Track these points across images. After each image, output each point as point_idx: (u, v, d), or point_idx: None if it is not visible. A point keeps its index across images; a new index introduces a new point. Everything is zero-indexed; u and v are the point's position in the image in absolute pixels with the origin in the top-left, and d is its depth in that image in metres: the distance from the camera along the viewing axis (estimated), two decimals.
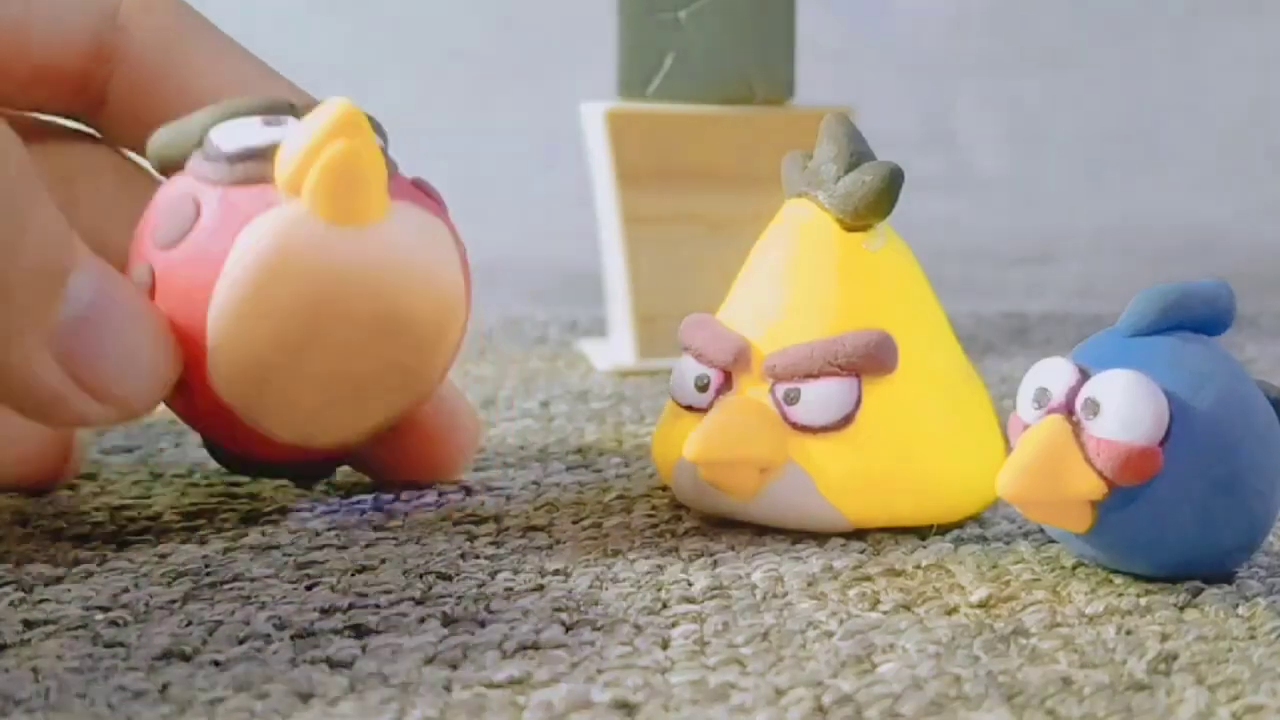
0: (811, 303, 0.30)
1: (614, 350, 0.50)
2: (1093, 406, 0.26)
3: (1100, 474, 0.26)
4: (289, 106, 0.29)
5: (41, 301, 0.26)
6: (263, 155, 0.28)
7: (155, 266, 0.28)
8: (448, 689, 0.22)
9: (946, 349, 0.32)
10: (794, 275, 0.31)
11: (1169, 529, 0.26)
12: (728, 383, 0.30)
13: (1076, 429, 0.26)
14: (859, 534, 0.30)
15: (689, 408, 0.31)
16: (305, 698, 0.22)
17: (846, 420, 0.29)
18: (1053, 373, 0.27)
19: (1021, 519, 0.31)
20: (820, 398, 0.29)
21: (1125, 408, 0.26)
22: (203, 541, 0.29)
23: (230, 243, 0.27)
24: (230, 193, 0.28)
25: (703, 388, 0.31)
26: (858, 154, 0.31)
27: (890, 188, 0.30)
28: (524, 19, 0.86)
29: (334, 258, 0.27)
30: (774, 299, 0.31)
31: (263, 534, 0.30)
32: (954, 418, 0.31)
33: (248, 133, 0.28)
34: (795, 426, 0.29)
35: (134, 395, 0.27)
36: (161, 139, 0.29)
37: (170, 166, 0.29)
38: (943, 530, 0.30)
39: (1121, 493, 0.26)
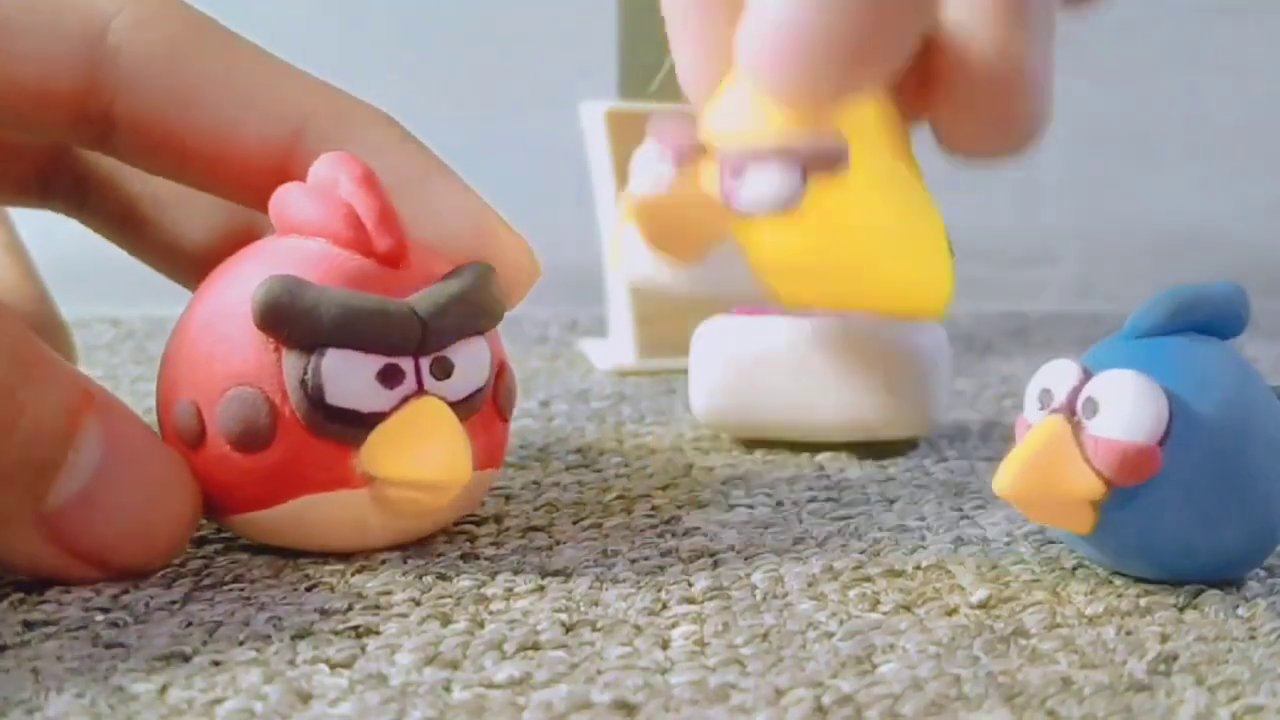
0: (777, 117, 0.31)
1: (614, 350, 0.50)
2: (1092, 406, 0.26)
3: (1099, 474, 0.26)
4: (420, 333, 0.27)
5: (29, 489, 0.25)
6: (362, 423, 0.26)
7: (208, 426, 0.27)
8: (448, 689, 0.22)
9: (905, 178, 0.34)
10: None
11: (1170, 529, 0.26)
12: (682, 165, 0.32)
13: (1077, 429, 0.26)
14: (858, 535, 0.30)
15: (643, 199, 0.33)
16: (305, 698, 0.22)
17: (787, 206, 0.31)
18: (1056, 373, 0.27)
19: (1020, 518, 0.31)
20: (764, 180, 0.31)
21: (1124, 407, 0.26)
22: (203, 542, 0.29)
23: (284, 496, 0.27)
24: (310, 444, 0.26)
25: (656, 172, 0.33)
26: None
27: None
28: (524, 19, 0.86)
29: (380, 537, 0.28)
30: (740, 110, 0.32)
31: None
32: (897, 225, 0.33)
33: (359, 387, 0.26)
34: (737, 208, 0.31)
35: (142, 563, 0.26)
36: (273, 304, 0.26)
37: (274, 333, 0.26)
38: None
39: (1122, 493, 0.26)
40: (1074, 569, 0.28)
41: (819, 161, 0.31)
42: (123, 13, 0.29)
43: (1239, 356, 0.27)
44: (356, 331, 0.26)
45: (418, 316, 0.27)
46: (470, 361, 0.28)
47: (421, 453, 0.27)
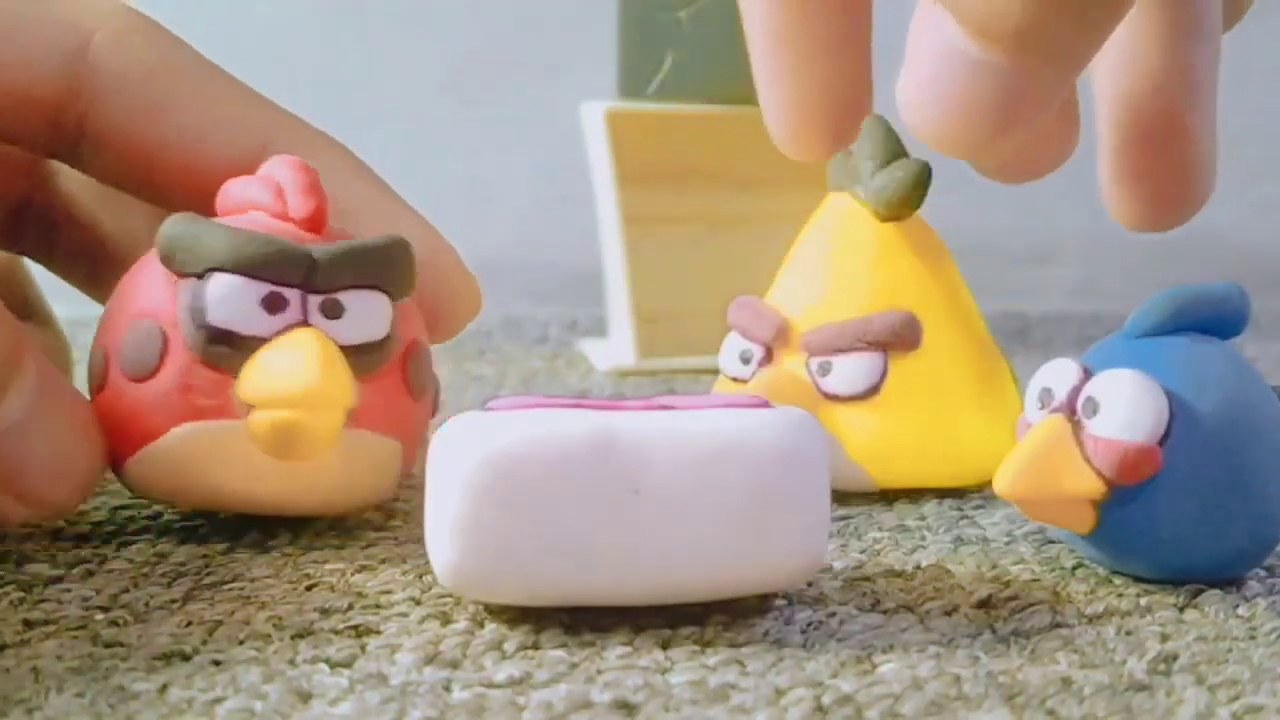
0: (846, 286, 0.34)
1: (614, 350, 0.50)
2: (1092, 405, 0.26)
3: (1099, 473, 0.26)
4: (307, 265, 0.28)
5: None
6: (242, 346, 0.27)
7: (110, 366, 0.28)
8: (448, 689, 0.22)
9: (969, 327, 0.35)
10: (831, 261, 0.34)
11: (1170, 529, 0.26)
12: (769, 357, 0.34)
13: (1077, 428, 0.26)
14: (858, 535, 0.30)
15: (734, 379, 0.34)
16: (305, 698, 0.22)
17: (873, 391, 0.32)
18: (1057, 373, 0.27)
19: (1020, 518, 0.31)
20: (849, 370, 0.33)
21: (1123, 407, 0.26)
22: (203, 541, 0.29)
23: (169, 425, 0.28)
24: (194, 370, 0.27)
25: (746, 361, 0.34)
26: (892, 152, 0.34)
27: (921, 183, 0.34)
28: (524, 19, 0.86)
29: (264, 488, 0.28)
30: (813, 282, 0.34)
31: (262, 534, 0.30)
32: (973, 388, 0.34)
33: (240, 310, 0.27)
34: (826, 396, 0.33)
35: (59, 499, 0.28)
36: (172, 236, 0.28)
37: (170, 264, 0.28)
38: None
39: (1121, 492, 0.26)
40: (1074, 569, 0.28)
41: (898, 342, 0.33)
42: (104, 29, 0.30)
43: (1239, 356, 0.27)
44: (243, 257, 0.27)
45: (307, 252, 0.28)
46: (364, 310, 0.28)
47: (285, 368, 0.27)
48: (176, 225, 0.28)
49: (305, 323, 0.27)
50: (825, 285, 0.34)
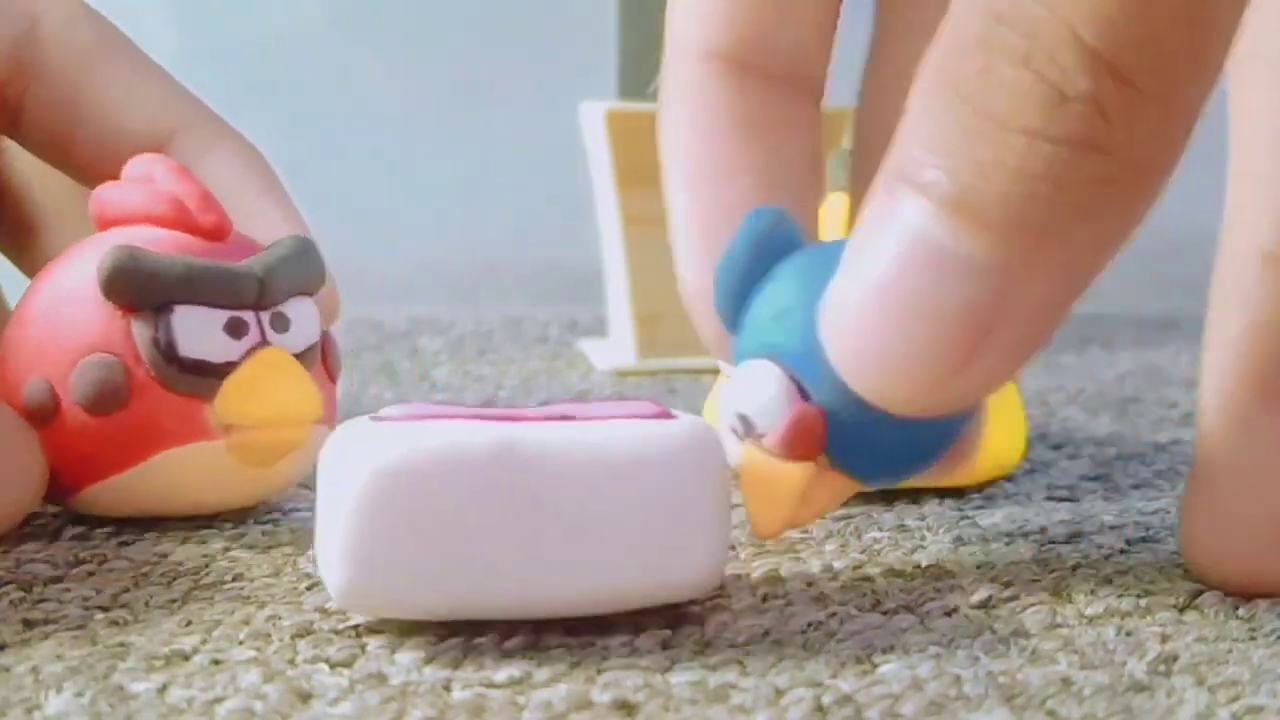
0: None
1: (614, 350, 0.50)
2: (746, 422, 0.26)
3: (797, 463, 0.26)
4: (258, 286, 0.29)
5: None
6: (213, 373, 0.28)
7: (61, 399, 0.28)
8: (448, 689, 0.22)
9: None
10: None
11: (872, 449, 0.25)
12: None
13: (758, 441, 0.26)
14: (858, 535, 0.30)
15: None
16: (305, 697, 0.22)
17: None
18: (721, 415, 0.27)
19: (1020, 518, 0.31)
20: None
21: (757, 405, 0.25)
22: (203, 541, 0.29)
23: (144, 454, 0.28)
24: (166, 400, 0.28)
25: None
26: None
27: None
28: (524, 19, 0.86)
29: (236, 493, 0.30)
30: None
31: (263, 534, 0.30)
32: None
33: (207, 339, 0.28)
34: None
35: None
36: (117, 270, 0.28)
37: (117, 298, 0.28)
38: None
39: (831, 451, 0.25)
40: (1074, 568, 0.28)
41: None
42: (51, 13, 0.32)
43: (811, 255, 0.26)
44: (201, 287, 0.28)
45: (254, 274, 0.29)
46: (303, 317, 0.30)
47: (274, 394, 0.29)
48: (121, 259, 0.28)
49: (264, 341, 0.29)
50: None
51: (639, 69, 0.49)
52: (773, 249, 0.26)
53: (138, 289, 0.28)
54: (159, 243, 0.29)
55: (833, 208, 0.35)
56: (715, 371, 0.36)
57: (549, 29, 0.85)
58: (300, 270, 0.30)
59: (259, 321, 0.29)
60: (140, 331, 0.28)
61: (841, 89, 0.53)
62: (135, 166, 0.30)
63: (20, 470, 0.28)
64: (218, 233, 0.30)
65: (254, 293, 0.29)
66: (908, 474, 0.27)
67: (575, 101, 0.51)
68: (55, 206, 0.36)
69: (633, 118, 0.48)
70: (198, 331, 0.28)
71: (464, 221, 0.78)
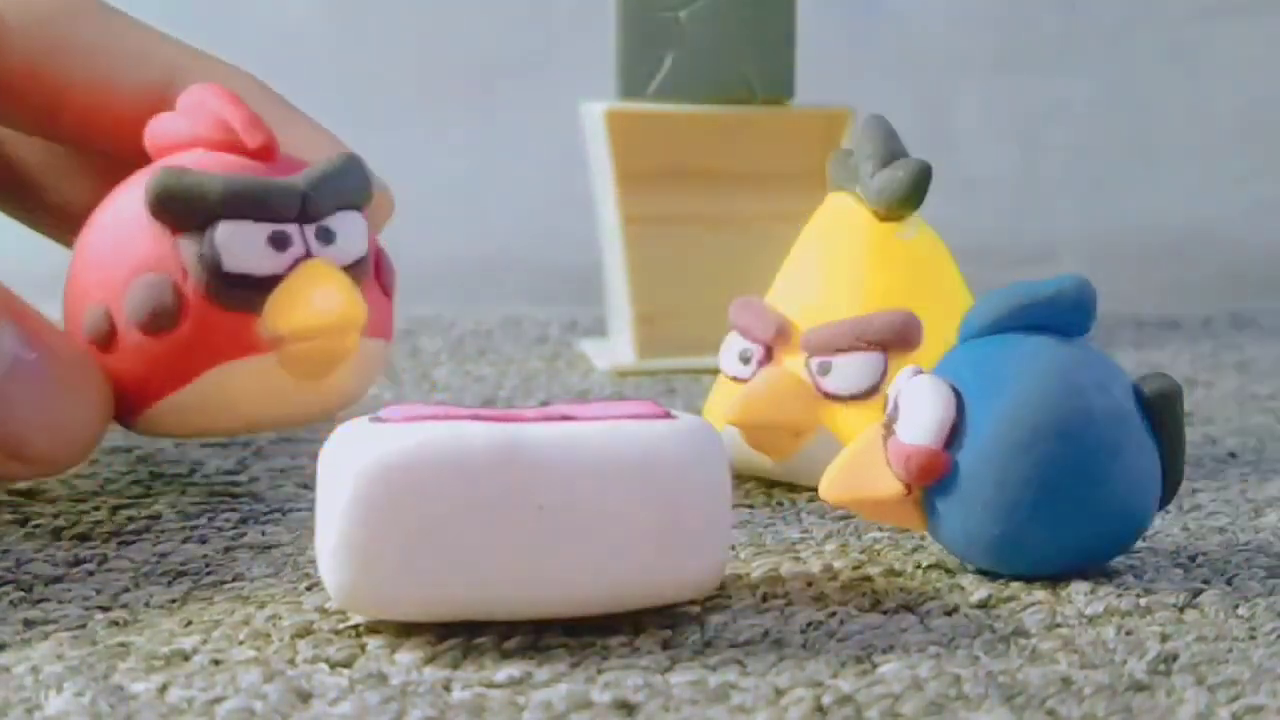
0: (846, 285, 0.33)
1: (614, 350, 0.50)
2: (897, 412, 0.27)
3: (899, 477, 0.27)
4: (301, 199, 0.29)
5: None
6: (258, 286, 0.29)
7: (118, 322, 0.29)
8: (448, 689, 0.22)
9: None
10: (831, 261, 0.34)
11: (974, 525, 0.26)
12: (769, 356, 0.34)
13: (888, 434, 0.27)
14: (858, 535, 0.30)
15: (734, 378, 0.34)
16: (305, 697, 0.22)
17: (873, 390, 0.32)
18: (899, 380, 0.28)
19: None
20: (849, 370, 0.32)
21: (913, 412, 0.26)
22: (203, 541, 0.29)
23: (198, 370, 0.29)
24: (216, 316, 0.28)
25: (746, 360, 0.34)
26: (892, 151, 0.34)
27: (920, 182, 0.34)
28: (524, 19, 0.86)
29: (292, 408, 0.30)
30: (812, 282, 0.34)
31: (263, 534, 0.30)
32: None
33: (251, 252, 0.28)
34: (826, 395, 0.32)
35: (53, 455, 0.28)
36: (162, 190, 0.28)
37: (165, 218, 0.29)
38: None
39: (928, 493, 0.27)
40: None
41: (898, 341, 0.32)
42: None
43: (1070, 351, 0.27)
44: (243, 202, 0.28)
45: (297, 188, 0.29)
46: (350, 231, 0.30)
47: (317, 302, 0.29)
48: (165, 179, 0.28)
49: (309, 254, 0.29)
50: (825, 285, 0.34)
51: (639, 69, 0.49)
52: (1053, 314, 0.27)
53: (182, 207, 0.28)
54: (208, 163, 0.29)
55: (833, 205, 0.35)
56: (715, 371, 0.35)
57: (549, 29, 0.85)
58: (346, 184, 0.30)
59: (303, 234, 0.29)
60: (187, 249, 0.28)
61: (843, 89, 0.53)
62: (188, 97, 0.30)
63: (87, 400, 0.28)
64: (266, 153, 0.30)
65: (297, 206, 0.29)
66: (964, 552, 0.27)
67: (575, 101, 0.51)
68: (46, 159, 0.36)
69: (633, 118, 0.48)
70: (241, 246, 0.28)
71: (464, 221, 0.78)
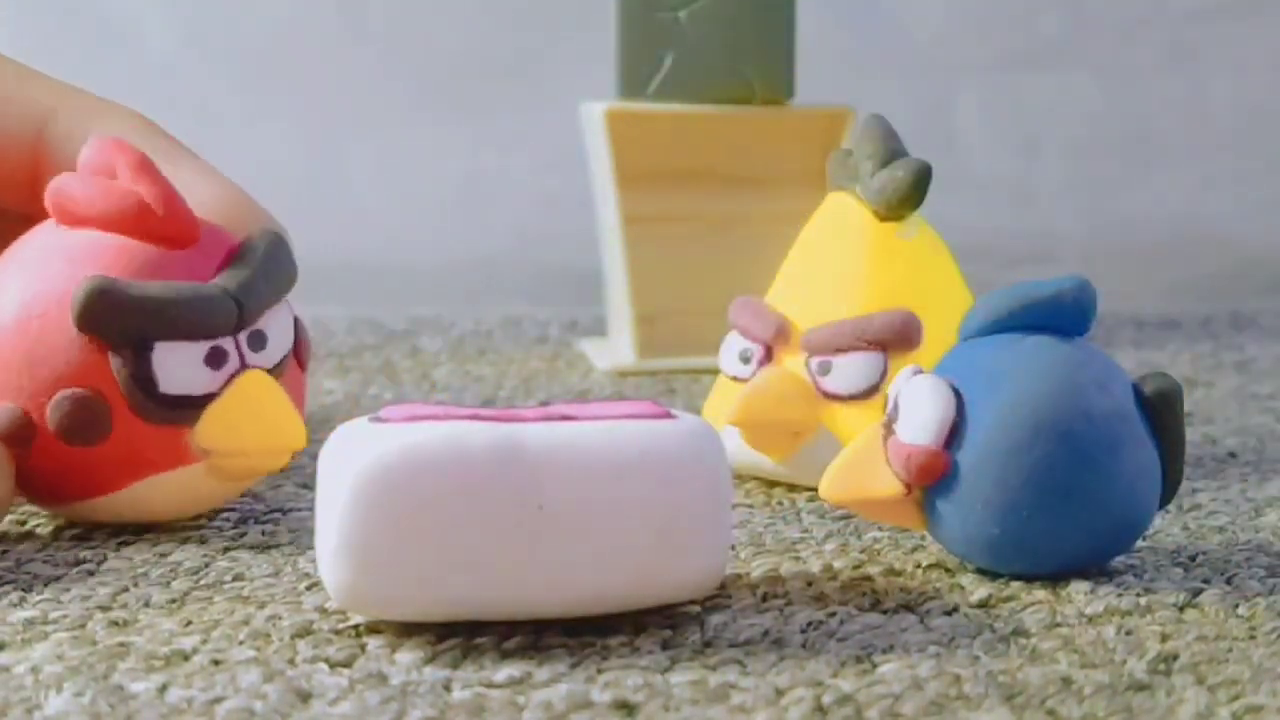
0: (845, 285, 0.33)
1: (614, 350, 0.50)
2: (897, 411, 0.27)
3: (898, 476, 0.27)
4: (236, 311, 0.28)
5: None
6: (194, 405, 0.28)
7: (37, 423, 0.28)
8: (448, 689, 0.22)
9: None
10: (831, 261, 0.34)
11: (974, 524, 0.26)
12: (769, 356, 0.33)
13: (888, 434, 0.27)
14: (858, 535, 0.30)
15: (734, 378, 0.34)
16: (305, 697, 0.22)
17: (873, 390, 0.32)
18: (899, 379, 0.28)
19: None
20: (849, 370, 0.32)
21: (912, 411, 0.27)
22: (203, 541, 0.29)
23: (124, 482, 0.28)
24: (146, 433, 0.28)
25: (746, 360, 0.34)
26: (892, 151, 0.34)
27: (920, 182, 0.33)
28: (524, 19, 0.86)
29: (212, 502, 0.30)
30: (813, 282, 0.34)
31: (263, 534, 0.30)
32: None
33: (188, 373, 0.28)
34: (826, 395, 0.32)
35: None
36: (91, 306, 0.27)
37: (94, 333, 0.28)
38: None
39: (928, 492, 0.27)
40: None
41: (898, 341, 0.32)
42: None
43: (1070, 351, 0.27)
44: (180, 322, 0.28)
45: (232, 297, 0.28)
46: (279, 329, 0.29)
47: (255, 423, 0.28)
48: (96, 294, 0.27)
49: (244, 365, 0.28)
50: (825, 285, 0.34)
51: (639, 69, 0.49)
52: (1053, 314, 0.27)
53: (115, 326, 0.27)
54: (127, 253, 0.28)
55: (833, 205, 0.35)
56: (715, 371, 0.35)
57: (549, 29, 0.85)
58: (277, 281, 0.29)
59: (238, 346, 0.28)
60: (119, 368, 0.28)
61: (840, 89, 0.53)
62: (95, 153, 0.29)
63: None
64: (186, 240, 0.29)
65: (234, 319, 0.28)
66: (964, 552, 0.27)
67: (575, 101, 0.51)
68: None
69: (633, 118, 0.48)
70: (178, 367, 0.28)
71: (464, 221, 0.78)
